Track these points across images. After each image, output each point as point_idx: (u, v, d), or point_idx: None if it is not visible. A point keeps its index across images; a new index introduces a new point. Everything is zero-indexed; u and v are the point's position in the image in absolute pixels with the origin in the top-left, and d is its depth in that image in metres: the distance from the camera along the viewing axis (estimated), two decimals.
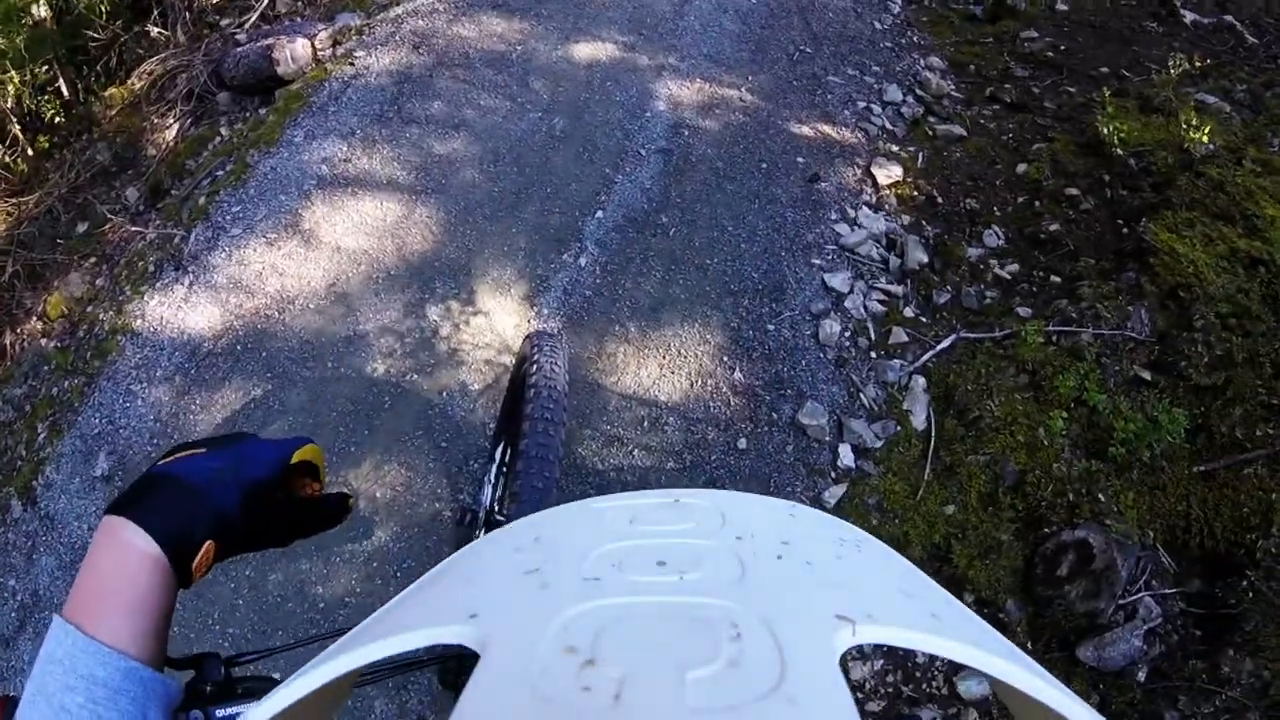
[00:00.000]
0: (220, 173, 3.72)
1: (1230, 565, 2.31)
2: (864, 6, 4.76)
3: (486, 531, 1.87)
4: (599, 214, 3.35)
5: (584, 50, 4.16)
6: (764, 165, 3.58)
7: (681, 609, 0.35)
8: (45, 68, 4.80)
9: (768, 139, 3.71)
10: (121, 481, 2.76)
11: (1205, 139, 3.65)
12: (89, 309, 3.40)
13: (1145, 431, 2.47)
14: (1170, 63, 4.37)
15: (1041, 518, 2.46)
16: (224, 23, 4.97)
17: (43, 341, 3.42)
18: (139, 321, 3.16)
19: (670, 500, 0.50)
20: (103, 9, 4.81)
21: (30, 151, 4.72)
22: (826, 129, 3.79)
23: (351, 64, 4.11)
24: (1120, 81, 4.27)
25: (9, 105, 4.64)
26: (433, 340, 2.96)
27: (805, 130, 3.77)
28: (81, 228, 4.11)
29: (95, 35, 4.91)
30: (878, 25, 4.60)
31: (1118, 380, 2.69)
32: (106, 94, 4.68)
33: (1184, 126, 3.72)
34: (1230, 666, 2.12)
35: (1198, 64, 4.46)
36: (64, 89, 4.95)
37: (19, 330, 3.57)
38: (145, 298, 3.23)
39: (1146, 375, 2.70)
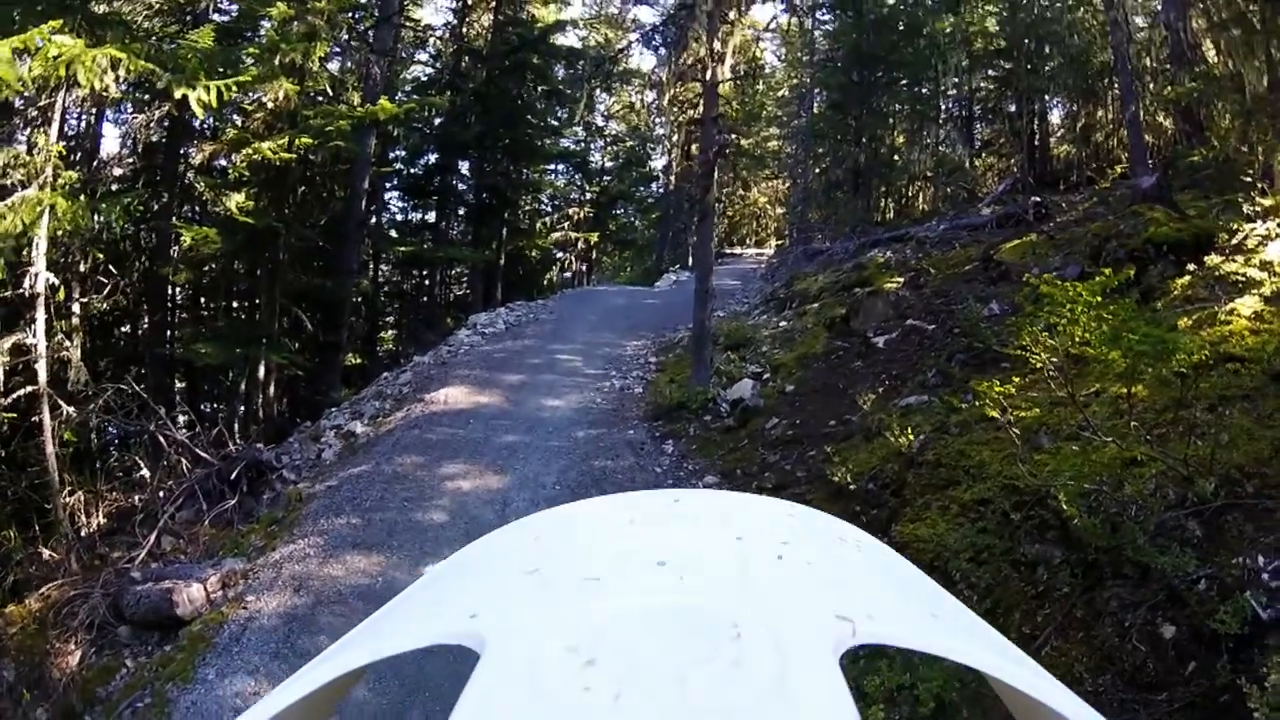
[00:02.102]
0: (140, 704, 3.91)
1: None
2: (644, 458, 5.75)
3: None
4: None
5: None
6: None
7: (682, 609, 0.34)
8: None
9: None
10: None
11: (911, 437, 4.47)
12: None
13: (945, 690, 2.72)
14: (871, 390, 5.46)
15: None
16: (114, 555, 5.37)
17: None
18: None
19: (670, 500, 0.50)
20: None
21: None
22: None
23: (244, 607, 4.50)
24: (845, 425, 5.23)
25: None
26: None
27: None
28: None
29: None
30: (658, 469, 5.54)
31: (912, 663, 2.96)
32: (6, 611, 4.86)
33: (894, 436, 4.57)
34: None
35: (891, 378, 5.57)
36: None
37: None
38: None
39: None
